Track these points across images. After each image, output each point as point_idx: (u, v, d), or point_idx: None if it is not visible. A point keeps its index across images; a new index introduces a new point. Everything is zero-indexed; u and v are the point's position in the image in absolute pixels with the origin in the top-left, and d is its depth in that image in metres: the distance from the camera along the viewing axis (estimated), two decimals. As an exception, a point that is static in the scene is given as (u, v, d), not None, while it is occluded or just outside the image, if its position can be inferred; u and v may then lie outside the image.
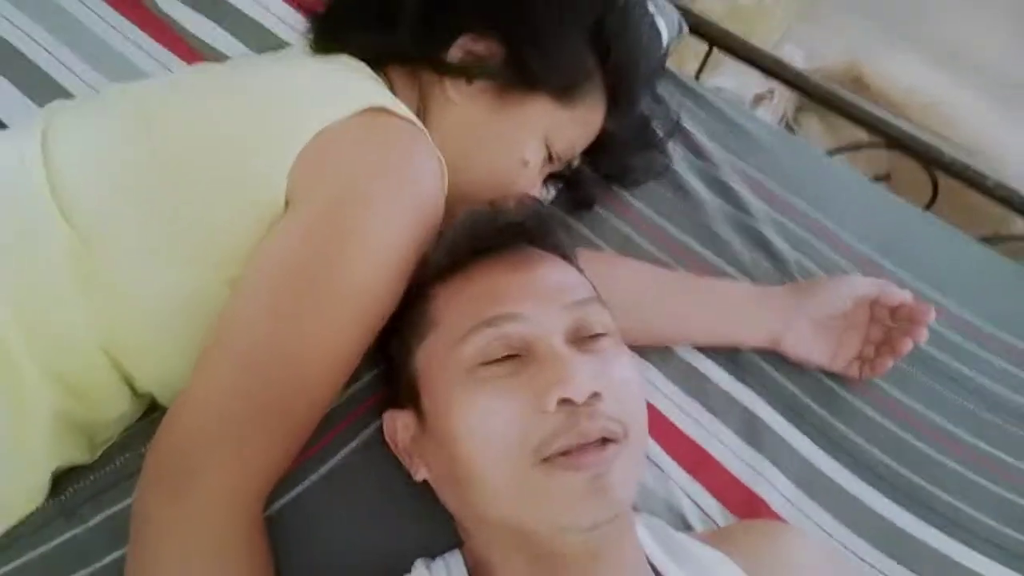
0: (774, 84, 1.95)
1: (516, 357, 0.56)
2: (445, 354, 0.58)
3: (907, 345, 0.80)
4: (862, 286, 0.84)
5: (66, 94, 0.91)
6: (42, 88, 0.91)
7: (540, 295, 0.59)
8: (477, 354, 0.56)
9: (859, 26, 2.40)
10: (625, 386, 0.58)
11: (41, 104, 0.89)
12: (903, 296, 0.83)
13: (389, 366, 0.66)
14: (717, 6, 2.40)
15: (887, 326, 0.84)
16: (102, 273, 0.60)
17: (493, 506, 0.56)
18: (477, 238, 0.63)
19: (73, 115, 0.67)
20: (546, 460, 0.53)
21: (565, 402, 0.53)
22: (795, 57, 2.06)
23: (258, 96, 0.66)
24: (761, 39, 1.80)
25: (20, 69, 0.92)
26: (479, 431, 0.55)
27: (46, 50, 0.94)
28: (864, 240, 0.98)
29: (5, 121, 0.88)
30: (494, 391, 0.55)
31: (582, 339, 0.58)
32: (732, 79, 1.96)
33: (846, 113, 1.18)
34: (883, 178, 1.24)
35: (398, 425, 0.63)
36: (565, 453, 0.53)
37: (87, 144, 0.64)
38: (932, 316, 0.81)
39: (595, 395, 0.54)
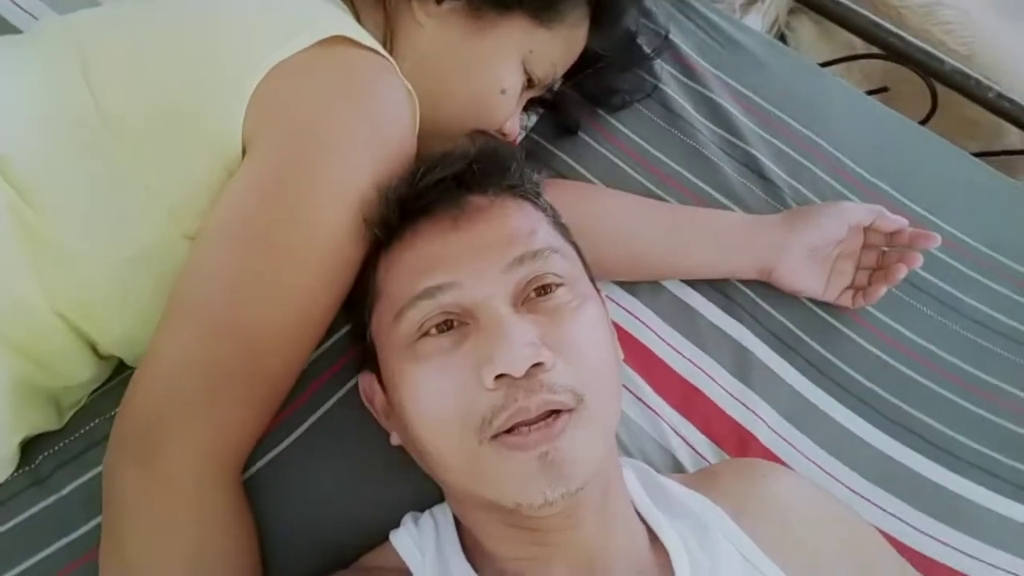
0: (766, -13, 1.87)
1: (459, 325, 0.53)
2: (389, 328, 0.55)
3: (901, 272, 0.78)
4: (856, 212, 0.81)
5: (9, 26, 0.83)
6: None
7: (478, 256, 0.54)
8: (416, 328, 0.53)
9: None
10: (579, 346, 0.53)
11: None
12: (899, 222, 0.80)
13: (355, 330, 0.63)
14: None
15: (880, 252, 0.81)
16: (48, 232, 0.56)
17: (452, 479, 0.54)
18: (408, 200, 0.57)
19: (6, 55, 0.61)
20: (493, 438, 0.50)
21: (503, 376, 0.49)
22: (788, -44, 1.96)
23: (207, 32, 0.60)
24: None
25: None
26: (423, 409, 0.53)
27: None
28: (859, 161, 0.93)
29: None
30: (432, 367, 0.52)
31: (531, 296, 0.54)
32: (722, -19, 1.86)
33: (843, 21, 1.11)
34: (880, 91, 1.18)
35: (374, 387, 0.61)
36: (510, 430, 0.50)
37: (20, 87, 0.58)
38: (937, 242, 0.78)
39: (536, 366, 0.50)
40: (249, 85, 0.57)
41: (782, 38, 1.83)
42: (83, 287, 0.58)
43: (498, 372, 0.49)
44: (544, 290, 0.55)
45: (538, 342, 0.51)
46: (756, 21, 1.80)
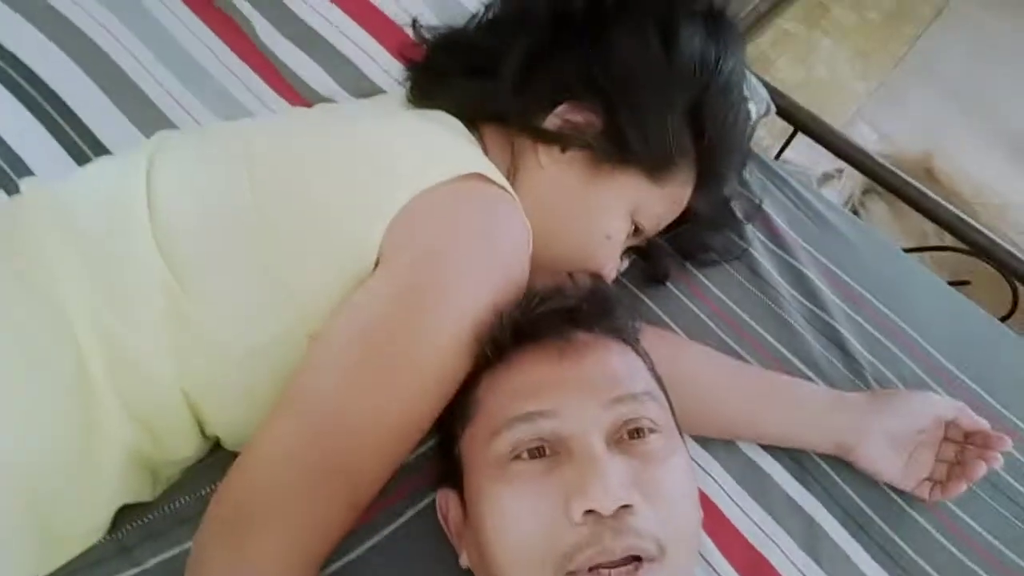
0: (842, 164, 1.95)
1: (552, 455, 0.54)
2: (482, 445, 0.57)
3: (980, 469, 0.76)
4: (940, 405, 0.81)
5: (167, 122, 0.91)
6: (144, 113, 0.92)
7: (581, 389, 0.56)
8: (510, 449, 0.55)
9: (934, 110, 2.38)
10: (668, 496, 0.54)
11: (141, 128, 0.90)
12: (981, 423, 0.80)
13: (444, 444, 0.65)
14: (792, 75, 2.40)
15: (960, 447, 0.80)
16: (193, 313, 0.60)
17: None
18: (520, 326, 0.60)
19: (178, 151, 0.68)
20: (570, 574, 0.50)
21: (592, 512, 0.50)
22: (868, 138, 2.04)
23: (355, 157, 0.66)
24: (833, 114, 1.78)
25: (125, 93, 0.93)
26: (505, 532, 0.53)
27: (152, 75, 0.94)
28: (940, 348, 0.95)
29: (108, 146, 0.89)
30: (522, 491, 0.53)
31: (625, 438, 0.55)
32: (800, 154, 1.95)
33: (923, 210, 1.15)
34: (962, 283, 1.20)
35: (451, 504, 0.62)
36: (590, 569, 0.50)
37: (190, 182, 0.64)
38: (1008, 445, 0.77)
39: (625, 507, 0.50)
40: (392, 208, 0.62)
41: (855, 215, 1.89)
42: (212, 370, 0.61)
43: (588, 507, 0.50)
44: (638, 433, 0.56)
45: (629, 483, 0.52)
46: (831, 197, 1.87)
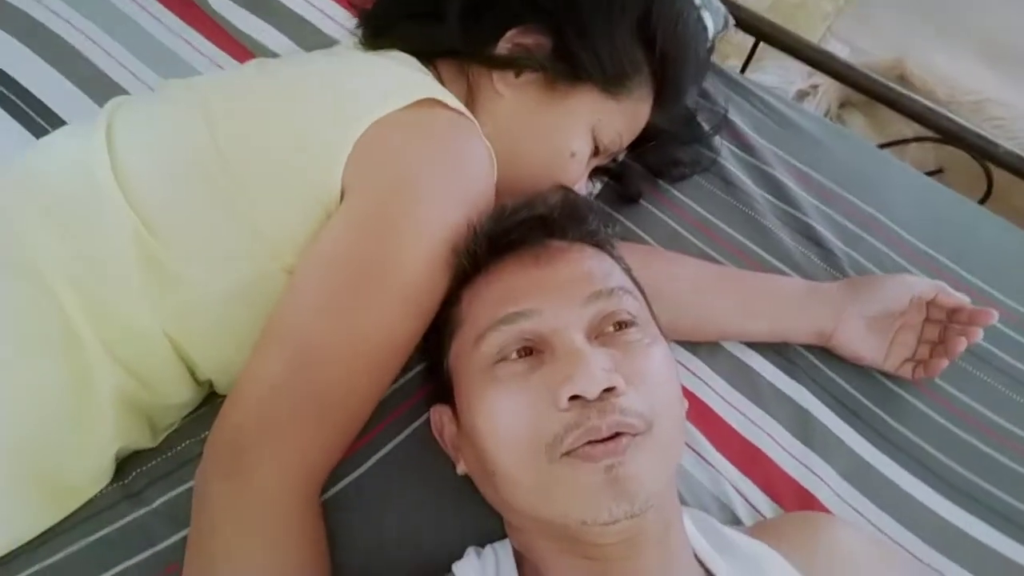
0: (817, 80, 1.94)
1: (536, 353, 0.56)
2: (468, 353, 0.59)
3: (961, 345, 0.78)
4: (918, 285, 0.82)
5: (121, 91, 0.93)
6: (98, 85, 0.93)
7: (558, 289, 0.58)
8: (494, 352, 0.56)
9: (903, 21, 2.36)
10: (649, 379, 0.56)
11: (97, 100, 0.91)
12: (960, 299, 0.80)
13: (432, 363, 0.67)
14: (759, 2, 2.39)
15: (943, 326, 0.82)
16: (165, 259, 0.62)
17: (519, 500, 0.55)
18: (495, 236, 0.62)
19: (136, 109, 0.69)
20: (563, 455, 0.52)
21: (577, 398, 0.52)
22: (840, 54, 2.03)
23: (309, 96, 0.67)
24: (805, 34, 1.78)
25: (77, 66, 0.95)
26: (496, 428, 0.55)
27: (102, 48, 0.96)
28: (917, 234, 0.96)
29: (64, 117, 0.91)
30: (509, 388, 0.55)
31: (605, 331, 0.57)
32: (773, 76, 1.94)
33: (898, 106, 1.15)
34: (935, 172, 1.21)
35: (444, 419, 0.64)
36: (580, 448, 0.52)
37: (151, 136, 0.66)
38: (994, 319, 0.78)
39: (609, 390, 0.52)
40: (350, 139, 0.63)
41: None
42: (192, 312, 0.63)
43: (573, 393, 0.52)
44: (617, 327, 0.58)
45: (611, 369, 0.54)
46: (808, 112, 1.87)
